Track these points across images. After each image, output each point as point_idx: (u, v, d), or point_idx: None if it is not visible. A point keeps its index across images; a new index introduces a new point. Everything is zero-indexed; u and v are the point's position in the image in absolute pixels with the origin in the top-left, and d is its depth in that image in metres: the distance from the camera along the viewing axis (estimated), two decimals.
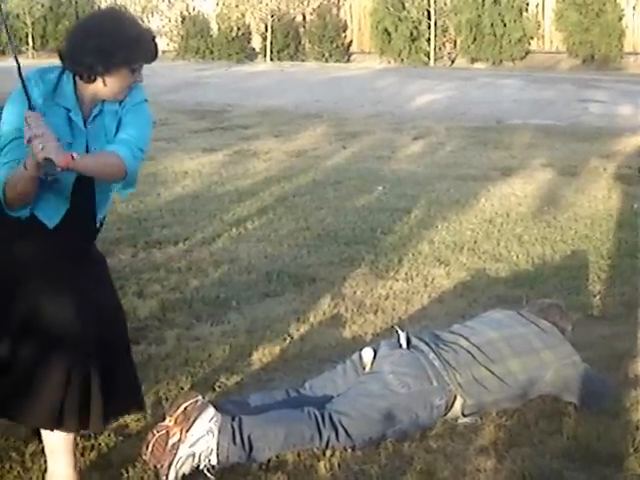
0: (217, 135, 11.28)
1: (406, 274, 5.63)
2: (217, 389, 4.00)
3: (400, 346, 3.74)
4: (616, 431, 3.61)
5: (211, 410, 3.27)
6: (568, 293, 5.26)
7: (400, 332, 3.81)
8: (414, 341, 3.76)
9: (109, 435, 3.49)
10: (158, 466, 3.20)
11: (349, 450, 3.43)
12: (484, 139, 10.73)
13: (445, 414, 3.66)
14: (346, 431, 3.43)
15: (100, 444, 3.44)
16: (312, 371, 4.11)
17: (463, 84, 16.76)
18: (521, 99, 14.42)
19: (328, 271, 5.69)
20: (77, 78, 2.90)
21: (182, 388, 3.96)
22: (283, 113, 13.03)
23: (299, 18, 24.30)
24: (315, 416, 3.43)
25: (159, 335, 4.59)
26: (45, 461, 3.27)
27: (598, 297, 5.25)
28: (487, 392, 3.68)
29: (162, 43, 25.81)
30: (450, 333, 3.91)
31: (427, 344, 3.75)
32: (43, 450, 3.36)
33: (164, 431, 3.23)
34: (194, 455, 3.20)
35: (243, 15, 24.60)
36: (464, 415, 3.67)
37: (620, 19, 20.19)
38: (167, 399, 3.84)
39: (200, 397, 3.31)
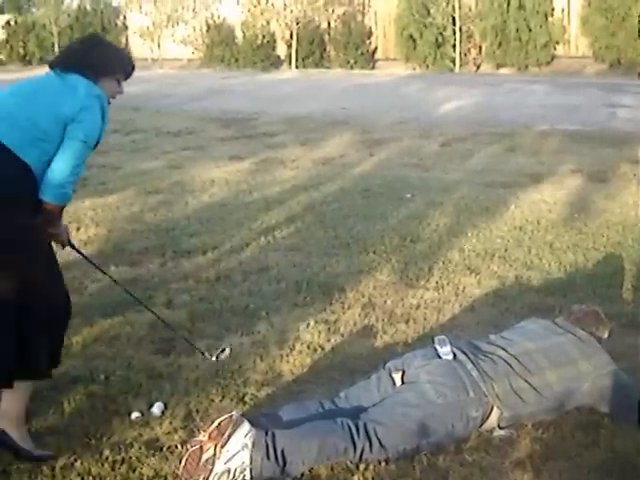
0: (244, 143, 11.28)
1: (437, 283, 5.58)
2: (248, 401, 3.95)
3: (438, 356, 3.69)
4: None
5: (246, 425, 3.22)
6: (601, 301, 5.16)
7: (439, 343, 3.75)
8: (453, 350, 3.71)
9: (140, 448, 3.46)
10: None
11: (383, 464, 3.37)
12: (512, 145, 10.66)
13: (480, 425, 3.60)
14: (380, 442, 3.37)
15: (131, 457, 3.41)
16: (344, 382, 4.06)
17: (489, 90, 16.69)
18: (548, 104, 14.33)
19: (358, 280, 5.64)
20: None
21: (212, 400, 3.92)
22: (309, 121, 13.01)
23: (324, 25, 24.33)
24: (349, 427, 3.38)
25: (188, 346, 4.53)
26: None
27: (632, 305, 5.17)
28: (524, 404, 3.61)
29: (187, 52, 25.98)
30: (487, 344, 3.84)
31: (465, 354, 3.69)
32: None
33: (197, 446, 3.18)
34: (229, 471, 3.15)
35: (268, 23, 24.67)
36: (500, 427, 3.61)
37: None
38: (197, 411, 3.81)
39: (235, 412, 3.26)
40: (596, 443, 3.54)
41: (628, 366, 4.08)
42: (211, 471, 3.13)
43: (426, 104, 14.88)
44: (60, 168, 3.40)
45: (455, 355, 3.70)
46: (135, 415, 3.75)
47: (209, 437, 3.20)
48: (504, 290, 5.45)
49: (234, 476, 3.17)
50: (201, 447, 3.19)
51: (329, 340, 4.63)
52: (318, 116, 13.47)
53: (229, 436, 3.17)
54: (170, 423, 3.68)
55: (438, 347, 3.76)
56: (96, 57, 3.58)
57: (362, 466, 3.35)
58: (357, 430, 3.37)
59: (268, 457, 3.20)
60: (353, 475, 3.30)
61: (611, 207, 7.46)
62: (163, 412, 3.79)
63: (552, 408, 3.69)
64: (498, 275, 5.72)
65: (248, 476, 3.19)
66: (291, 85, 18.62)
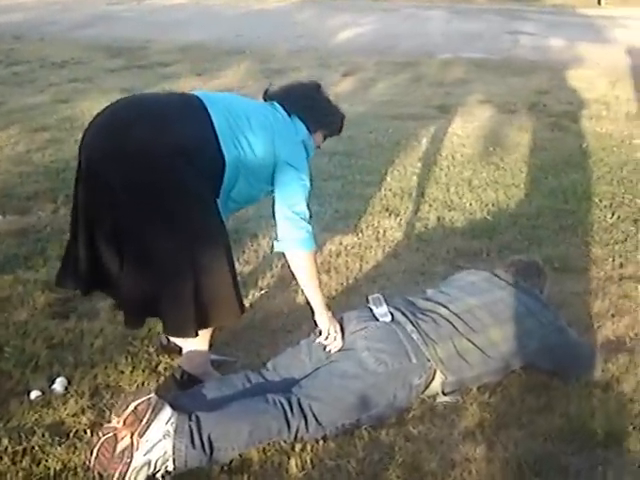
0: (136, 74, 10.59)
1: (355, 226, 5.21)
2: (162, 371, 3.53)
3: (374, 317, 3.33)
4: (610, 405, 3.28)
5: (167, 410, 2.81)
6: (529, 244, 4.93)
7: (374, 302, 3.40)
8: (390, 310, 3.35)
9: (43, 435, 3.02)
10: (105, 474, 2.75)
11: (321, 442, 3.02)
12: (417, 74, 10.28)
13: (422, 392, 3.27)
14: (316, 419, 3.01)
15: (33, 447, 2.96)
16: (265, 344, 3.72)
17: (386, 16, 16.23)
18: (448, 32, 13.97)
19: (269, 225, 5.16)
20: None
21: (122, 372, 3.49)
22: (204, 49, 12.34)
23: None
24: (281, 404, 3.01)
25: (90, 308, 4.05)
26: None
27: (562, 247, 4.91)
28: (469, 367, 3.29)
29: None
30: (425, 300, 3.49)
31: (404, 314, 3.33)
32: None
33: (111, 434, 2.76)
34: (150, 463, 2.73)
35: None
36: (444, 393, 3.29)
37: None
38: (108, 386, 3.38)
39: (153, 395, 2.82)
40: (548, 407, 3.27)
41: (570, 317, 3.84)
42: (129, 464, 2.71)
43: (323, 32, 14.34)
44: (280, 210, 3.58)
45: (393, 316, 3.35)
46: (35, 394, 3.29)
47: (124, 424, 2.77)
48: (427, 233, 5.13)
49: (155, 468, 2.76)
50: (115, 435, 2.77)
51: (247, 296, 4.21)
52: (213, 44, 12.80)
53: (148, 423, 2.75)
54: (76, 402, 3.24)
55: (373, 307, 3.40)
56: (322, 112, 3.66)
57: (298, 447, 2.99)
58: (291, 407, 3.00)
59: (193, 445, 2.80)
60: (290, 458, 2.93)
61: (525, 140, 7.19)
62: (67, 388, 3.35)
63: (498, 369, 3.39)
64: (419, 217, 5.39)
65: (171, 466, 2.79)
66: (181, 11, 17.77)
